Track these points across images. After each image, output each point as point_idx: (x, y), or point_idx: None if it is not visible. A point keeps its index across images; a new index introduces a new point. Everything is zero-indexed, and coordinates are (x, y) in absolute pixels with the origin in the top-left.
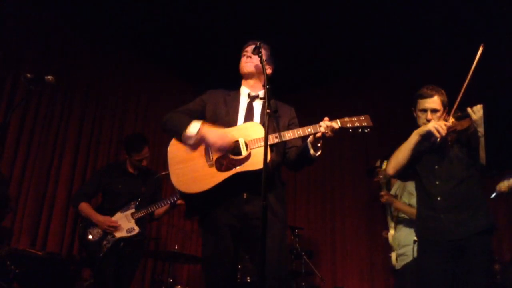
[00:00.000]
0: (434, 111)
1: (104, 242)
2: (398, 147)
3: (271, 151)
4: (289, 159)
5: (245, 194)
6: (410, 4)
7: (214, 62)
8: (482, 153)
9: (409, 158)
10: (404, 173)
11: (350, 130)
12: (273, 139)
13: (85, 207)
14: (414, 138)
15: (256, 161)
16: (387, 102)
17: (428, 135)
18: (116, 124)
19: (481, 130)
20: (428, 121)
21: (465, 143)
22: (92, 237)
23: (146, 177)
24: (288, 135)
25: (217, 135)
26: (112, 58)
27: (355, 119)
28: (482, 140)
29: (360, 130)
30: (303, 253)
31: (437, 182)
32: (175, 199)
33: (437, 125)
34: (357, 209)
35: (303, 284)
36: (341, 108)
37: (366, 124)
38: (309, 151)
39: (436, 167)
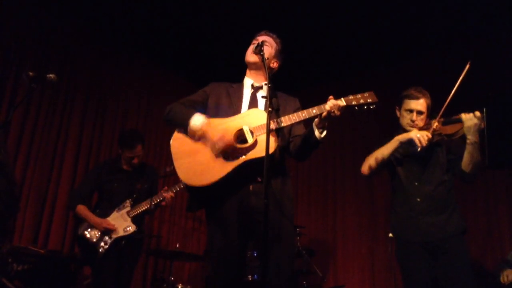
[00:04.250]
0: (419, 113)
1: (102, 244)
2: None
3: (277, 136)
4: (294, 147)
5: (251, 186)
6: (411, 4)
7: (215, 60)
8: (466, 160)
9: (385, 161)
10: (377, 174)
11: (356, 108)
12: (277, 124)
13: (82, 210)
14: (394, 143)
15: (263, 147)
16: (389, 101)
17: (409, 143)
18: (118, 122)
19: (470, 137)
20: (413, 121)
21: (446, 148)
22: (90, 238)
23: (141, 172)
24: (294, 118)
25: (218, 134)
26: (114, 56)
27: (360, 96)
28: (469, 147)
29: (365, 107)
30: (304, 252)
31: (416, 184)
32: (163, 198)
33: (420, 135)
34: (358, 207)
35: (304, 282)
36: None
37: (371, 100)
38: (314, 133)
39: (416, 168)
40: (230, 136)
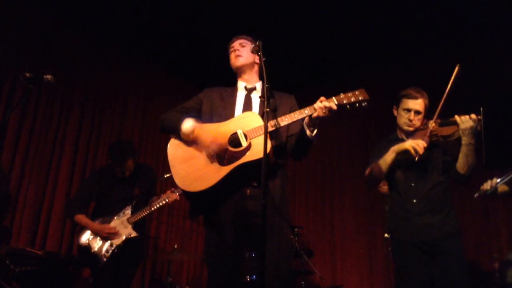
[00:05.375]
0: (417, 112)
1: (103, 252)
2: (377, 148)
3: (271, 138)
4: (291, 146)
5: (248, 191)
6: (409, 4)
7: (213, 61)
8: (461, 162)
9: (386, 173)
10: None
11: (348, 107)
12: (271, 126)
13: (81, 218)
14: (391, 155)
15: (257, 150)
16: (387, 101)
17: (405, 153)
18: (115, 123)
19: (465, 138)
20: (410, 121)
21: (442, 149)
22: (92, 248)
23: (138, 176)
24: (286, 119)
25: (210, 137)
26: (111, 57)
27: (350, 94)
28: (464, 148)
29: (357, 105)
30: (302, 252)
31: (413, 184)
32: (167, 200)
33: (415, 144)
34: (357, 208)
35: (303, 283)
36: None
37: (362, 98)
38: (305, 132)
39: (413, 170)
40: (223, 140)
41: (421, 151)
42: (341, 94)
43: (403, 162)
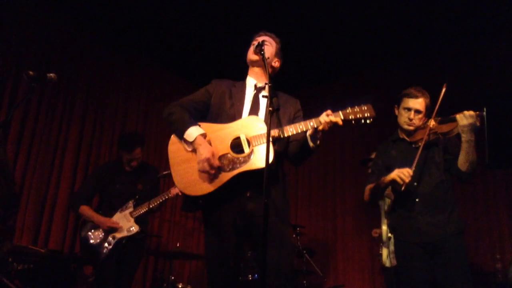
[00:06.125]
0: (417, 112)
1: (105, 244)
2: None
3: (274, 145)
4: (291, 153)
5: (248, 192)
6: (412, 4)
7: (215, 61)
8: (462, 159)
9: (382, 193)
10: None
11: (353, 122)
12: (275, 134)
13: (86, 210)
14: (383, 184)
15: (259, 158)
16: (388, 100)
17: (393, 183)
18: (118, 122)
19: (464, 135)
20: (410, 120)
21: (443, 147)
22: (94, 240)
23: (142, 173)
24: (291, 130)
25: (205, 153)
26: (113, 57)
27: (357, 109)
28: (464, 145)
29: (362, 121)
30: (304, 251)
31: (415, 184)
32: (169, 195)
33: (400, 174)
34: (359, 207)
35: (304, 282)
36: (344, 105)
37: (368, 114)
38: (308, 144)
39: (415, 169)
40: (225, 145)
41: (407, 179)
42: (348, 108)
43: (404, 156)
